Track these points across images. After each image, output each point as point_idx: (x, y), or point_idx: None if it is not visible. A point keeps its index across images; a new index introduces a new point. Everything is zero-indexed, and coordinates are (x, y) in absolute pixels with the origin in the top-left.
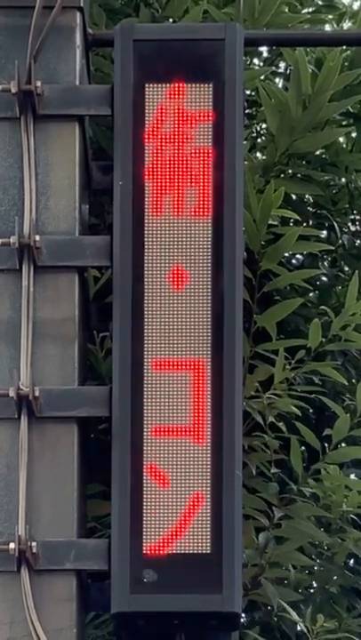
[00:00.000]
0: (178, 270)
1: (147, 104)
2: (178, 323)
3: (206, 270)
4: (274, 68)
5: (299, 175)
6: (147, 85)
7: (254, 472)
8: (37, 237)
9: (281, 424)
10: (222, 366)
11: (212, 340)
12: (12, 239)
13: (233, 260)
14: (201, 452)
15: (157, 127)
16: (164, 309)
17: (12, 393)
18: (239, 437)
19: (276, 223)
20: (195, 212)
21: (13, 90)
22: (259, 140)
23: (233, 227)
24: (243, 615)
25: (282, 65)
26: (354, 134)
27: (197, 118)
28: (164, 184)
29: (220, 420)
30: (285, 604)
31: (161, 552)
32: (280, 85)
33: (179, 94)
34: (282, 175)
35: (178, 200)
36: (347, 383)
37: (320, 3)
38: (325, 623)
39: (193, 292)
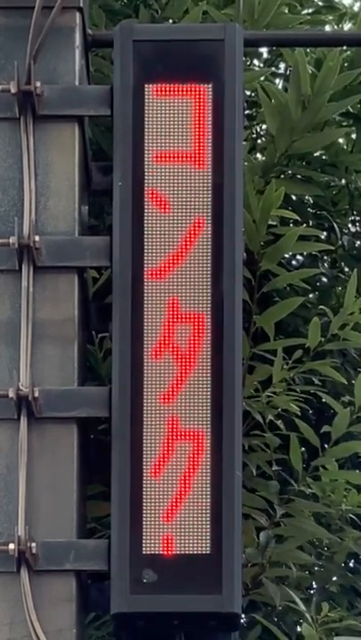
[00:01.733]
0: (177, 270)
1: (146, 105)
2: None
3: (206, 270)
4: (274, 68)
5: (299, 176)
6: (146, 86)
7: (254, 472)
8: (37, 238)
9: (280, 422)
10: (222, 366)
11: (211, 341)
12: (12, 240)
13: (233, 261)
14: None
15: (157, 128)
16: (163, 310)
17: (11, 393)
18: (239, 437)
19: (275, 224)
20: (194, 212)
21: (13, 90)
22: (259, 140)
23: (233, 227)
24: (243, 615)
25: (282, 66)
26: (354, 135)
27: (197, 119)
28: (163, 185)
29: (220, 420)
30: (291, 593)
31: (161, 552)
32: (280, 86)
33: (178, 95)
34: (282, 176)
35: (178, 201)
36: (346, 383)
37: (320, 4)
38: (330, 613)
39: (193, 293)
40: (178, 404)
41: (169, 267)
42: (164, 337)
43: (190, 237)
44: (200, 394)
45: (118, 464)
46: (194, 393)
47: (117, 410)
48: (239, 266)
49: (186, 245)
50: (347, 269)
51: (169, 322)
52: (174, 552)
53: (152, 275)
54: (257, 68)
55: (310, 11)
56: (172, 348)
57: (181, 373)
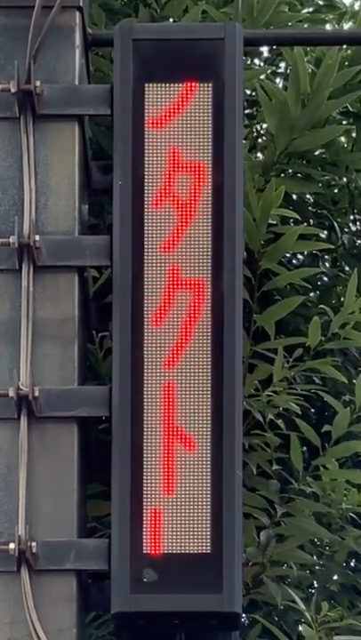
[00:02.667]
0: (177, 270)
1: (146, 104)
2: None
3: (206, 269)
4: (274, 67)
5: (299, 174)
6: (146, 85)
7: (255, 471)
8: (37, 237)
9: (280, 421)
10: (222, 365)
11: (212, 340)
12: (12, 239)
13: (233, 260)
14: (200, 452)
15: (157, 127)
16: (163, 309)
17: (11, 393)
18: (239, 437)
19: (276, 222)
20: (195, 211)
21: (13, 89)
22: (259, 139)
23: (233, 226)
24: (243, 615)
25: (282, 65)
26: (354, 134)
27: (197, 118)
28: (163, 184)
29: (221, 420)
30: (292, 592)
31: (161, 552)
32: (280, 85)
33: (178, 94)
34: (282, 174)
35: (177, 200)
36: (347, 382)
37: (320, 2)
38: (329, 612)
39: (193, 292)
40: (179, 405)
41: None
42: None
43: (190, 236)
44: (200, 395)
45: (119, 463)
46: (194, 395)
47: (117, 409)
48: (239, 265)
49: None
50: (347, 268)
51: None
52: (175, 551)
53: (152, 274)
54: (257, 67)
55: (310, 10)
56: None
57: None
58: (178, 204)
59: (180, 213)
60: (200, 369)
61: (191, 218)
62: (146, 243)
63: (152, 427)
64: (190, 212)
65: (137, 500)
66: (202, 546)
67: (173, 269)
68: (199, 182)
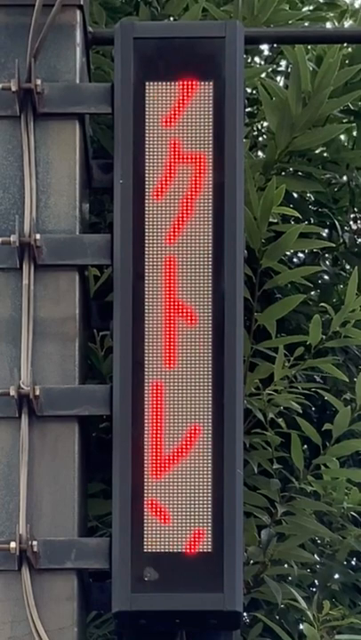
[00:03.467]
0: (178, 269)
1: (147, 102)
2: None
3: (207, 268)
4: (275, 66)
5: (300, 173)
6: (147, 83)
7: (256, 470)
8: (38, 236)
9: (281, 420)
10: (223, 364)
11: (212, 340)
12: (13, 238)
13: (234, 258)
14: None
15: (158, 125)
16: (164, 308)
17: (12, 392)
18: (240, 436)
19: (276, 221)
20: (195, 210)
21: (13, 88)
22: (260, 138)
23: (234, 225)
24: (244, 613)
25: (283, 63)
26: (355, 132)
27: (198, 116)
28: (164, 182)
29: (222, 419)
30: (293, 590)
31: (162, 550)
32: (281, 84)
33: (179, 92)
34: (283, 173)
35: (178, 198)
36: (348, 380)
37: (321, 0)
38: (332, 611)
39: (194, 291)
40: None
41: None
42: None
43: (192, 235)
44: (200, 390)
45: (119, 462)
46: (194, 388)
47: (118, 408)
48: (240, 264)
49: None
50: (348, 267)
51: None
52: (176, 550)
53: (153, 273)
54: (258, 66)
55: (311, 8)
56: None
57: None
58: (179, 203)
59: (180, 212)
60: (200, 367)
61: (191, 217)
62: (147, 241)
63: (154, 425)
64: (191, 211)
65: (138, 498)
66: (203, 544)
67: (175, 268)
68: (200, 181)
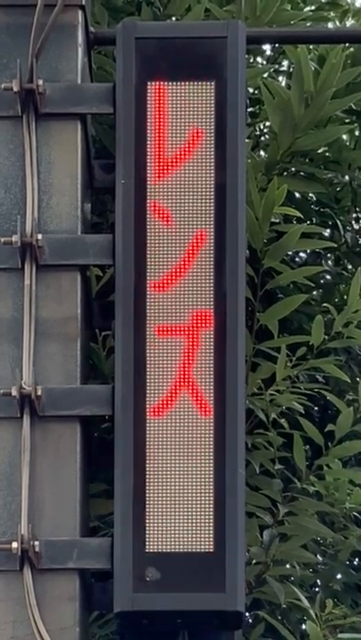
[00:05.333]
0: (180, 269)
1: (149, 102)
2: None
3: (209, 268)
4: (277, 66)
5: (302, 173)
6: (149, 83)
7: (258, 470)
8: (39, 236)
9: (283, 420)
10: (225, 364)
11: (214, 339)
12: (15, 238)
13: (236, 258)
14: (203, 451)
15: (159, 125)
16: (166, 308)
17: (14, 392)
18: (242, 436)
19: (278, 221)
20: (197, 210)
21: (15, 88)
22: (262, 138)
23: (235, 225)
24: (247, 614)
25: (285, 63)
26: (357, 132)
27: (200, 116)
28: (166, 182)
29: (223, 419)
30: (296, 590)
31: (164, 550)
32: (283, 84)
33: (181, 92)
34: (285, 173)
35: (180, 198)
36: (350, 381)
37: (323, 0)
38: (334, 610)
39: (195, 291)
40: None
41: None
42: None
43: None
44: (202, 389)
45: (121, 462)
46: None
47: (120, 408)
48: (242, 264)
49: (189, 251)
50: (350, 267)
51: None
52: (178, 550)
53: (154, 273)
54: (260, 66)
55: (313, 8)
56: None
57: (184, 369)
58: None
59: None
60: (202, 367)
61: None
62: (148, 241)
63: (155, 425)
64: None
65: (140, 498)
66: (205, 545)
67: (176, 268)
68: (204, 184)
